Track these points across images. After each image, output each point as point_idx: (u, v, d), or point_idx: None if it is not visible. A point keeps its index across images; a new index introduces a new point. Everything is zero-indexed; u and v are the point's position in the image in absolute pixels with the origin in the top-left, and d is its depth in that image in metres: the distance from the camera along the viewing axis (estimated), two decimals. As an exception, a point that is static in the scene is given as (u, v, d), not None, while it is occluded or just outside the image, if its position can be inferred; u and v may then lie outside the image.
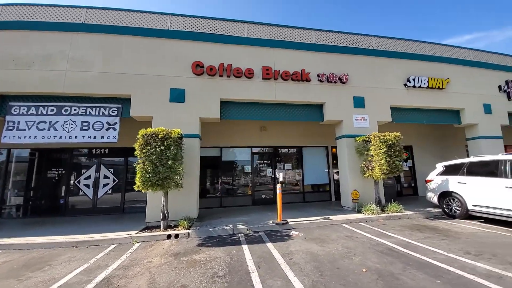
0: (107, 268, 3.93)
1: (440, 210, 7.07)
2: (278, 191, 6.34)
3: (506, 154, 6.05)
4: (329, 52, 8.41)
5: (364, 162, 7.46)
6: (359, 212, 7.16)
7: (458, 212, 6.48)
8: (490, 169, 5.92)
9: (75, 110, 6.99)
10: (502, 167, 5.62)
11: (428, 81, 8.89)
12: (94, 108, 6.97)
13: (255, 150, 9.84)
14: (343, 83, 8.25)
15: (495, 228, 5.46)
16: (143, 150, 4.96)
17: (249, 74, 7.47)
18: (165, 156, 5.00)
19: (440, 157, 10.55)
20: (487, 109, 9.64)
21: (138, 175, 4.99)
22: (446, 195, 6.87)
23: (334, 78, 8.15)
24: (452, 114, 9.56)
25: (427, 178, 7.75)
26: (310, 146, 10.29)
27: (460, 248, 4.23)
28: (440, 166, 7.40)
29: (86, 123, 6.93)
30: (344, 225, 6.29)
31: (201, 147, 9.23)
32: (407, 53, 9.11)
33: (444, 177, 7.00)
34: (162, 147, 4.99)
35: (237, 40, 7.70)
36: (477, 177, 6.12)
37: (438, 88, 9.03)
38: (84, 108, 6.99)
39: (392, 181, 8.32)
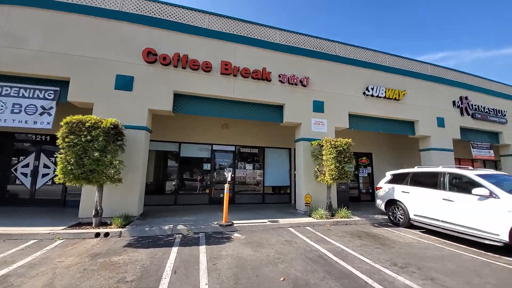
0: (12, 265, 3.55)
1: (387, 217, 7.19)
2: (225, 191, 6.05)
3: (445, 166, 6.25)
4: (293, 54, 8.29)
5: (317, 167, 7.41)
6: (310, 216, 7.08)
7: (402, 220, 6.61)
8: (430, 180, 6.08)
9: (6, 90, 6.20)
10: (441, 179, 5.78)
11: (385, 92, 9.11)
12: (28, 90, 6.23)
13: (216, 147, 9.50)
14: (304, 86, 8.17)
15: (433, 239, 5.57)
16: (66, 140, 4.42)
17: (207, 67, 7.12)
18: (92, 147, 4.50)
19: (396, 165, 10.88)
20: (440, 122, 10.10)
21: (59, 167, 4.44)
22: (391, 203, 7.01)
23: (296, 80, 8.05)
24: (407, 125, 9.89)
25: (377, 186, 7.89)
26: (273, 147, 10.15)
27: (389, 259, 4.21)
28: (388, 175, 7.56)
29: (18, 106, 6.17)
30: (290, 228, 6.15)
31: (158, 141, 8.81)
32: (368, 63, 9.27)
33: (391, 186, 7.14)
34: (89, 137, 4.48)
35: (196, 31, 7.31)
36: (419, 187, 6.28)
37: (395, 99, 9.28)
38: (17, 89, 6.22)
39: (345, 186, 8.38)
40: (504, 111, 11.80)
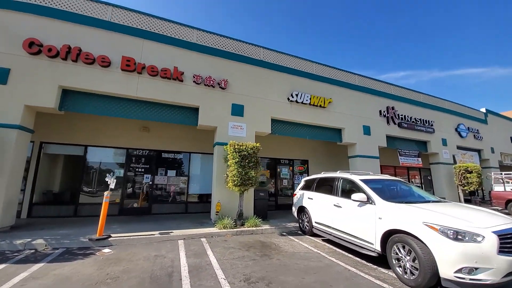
0: None
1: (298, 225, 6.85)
2: (104, 200, 5.30)
3: (342, 171, 6.09)
4: (211, 55, 7.93)
5: (227, 172, 6.93)
6: (214, 226, 6.51)
7: (307, 228, 6.30)
8: (329, 186, 5.85)
9: None
10: (336, 184, 5.56)
11: (310, 98, 9.06)
12: None
13: (131, 152, 8.67)
14: (223, 88, 7.80)
15: (326, 248, 5.25)
16: None
17: (104, 62, 6.45)
18: None
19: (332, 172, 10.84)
20: (366, 130, 10.28)
21: None
22: (301, 210, 6.70)
23: (212, 82, 7.65)
24: (334, 132, 9.92)
25: (294, 192, 7.60)
26: (200, 153, 9.57)
27: (249, 272, 3.76)
28: (303, 181, 7.30)
29: None
30: (179, 241, 5.51)
31: (57, 144, 7.80)
32: (293, 69, 9.23)
33: (302, 192, 6.87)
34: None
35: (96, 23, 6.66)
36: (320, 193, 6.03)
37: (320, 106, 9.28)
38: None
39: (264, 194, 7.99)
40: (432, 121, 12.46)
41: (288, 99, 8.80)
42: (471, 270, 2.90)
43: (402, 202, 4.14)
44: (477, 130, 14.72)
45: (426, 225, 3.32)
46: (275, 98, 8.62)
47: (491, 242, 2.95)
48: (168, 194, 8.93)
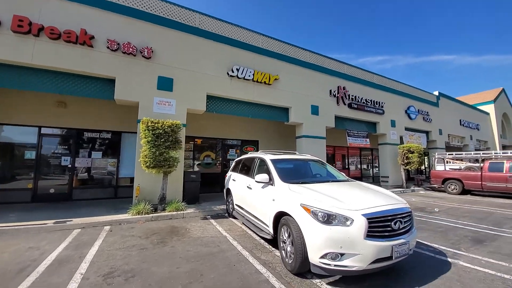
0: None
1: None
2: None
3: (264, 151, 5.74)
4: (132, 17, 6.87)
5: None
6: (127, 212, 5.94)
7: (231, 210, 6.00)
8: (249, 167, 5.49)
9: None
10: (253, 165, 5.20)
11: (253, 74, 8.46)
12: None
13: (46, 131, 7.60)
14: (146, 58, 6.88)
15: (238, 231, 5.00)
16: None
17: (-20, 19, 5.21)
18: None
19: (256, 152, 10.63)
20: (315, 110, 10.05)
21: None
22: (228, 192, 6.35)
23: (132, 50, 6.69)
24: (281, 111, 9.55)
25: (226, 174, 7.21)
26: (133, 132, 8.69)
27: (120, 265, 3.35)
28: (233, 162, 6.90)
29: None
30: (75, 230, 4.90)
31: None
32: (236, 40, 8.47)
33: (230, 173, 6.48)
34: None
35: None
36: (241, 174, 5.68)
37: (265, 83, 8.74)
38: None
39: (196, 176, 7.52)
40: (382, 102, 12.59)
41: (228, 73, 8.11)
42: (337, 256, 2.68)
43: (299, 183, 3.86)
44: (427, 112, 15.32)
45: (302, 206, 3.07)
46: (212, 72, 7.89)
47: (359, 225, 2.73)
48: (92, 178, 8.10)
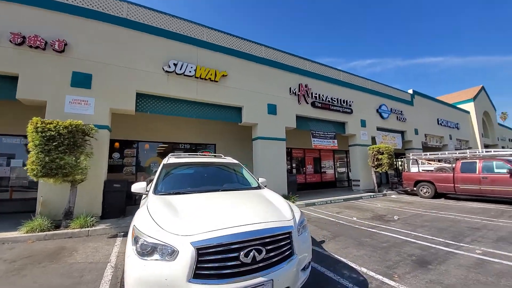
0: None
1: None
2: None
3: (175, 154, 4.73)
4: (43, 8, 5.90)
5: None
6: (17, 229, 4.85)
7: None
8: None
9: None
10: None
11: (195, 70, 7.50)
12: None
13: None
14: (58, 51, 5.88)
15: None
16: None
17: None
18: None
19: (242, 157, 9.61)
20: (272, 109, 9.12)
21: None
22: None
23: (40, 43, 5.69)
24: (232, 111, 8.59)
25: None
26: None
27: None
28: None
29: None
30: None
31: None
32: (173, 33, 7.52)
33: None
34: None
35: None
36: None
37: (210, 79, 7.78)
38: None
39: (122, 185, 6.44)
40: (350, 101, 11.73)
41: (164, 69, 7.15)
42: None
43: (170, 193, 2.95)
44: (401, 111, 14.52)
45: (132, 229, 2.16)
46: (144, 67, 6.91)
47: (185, 260, 1.77)
48: (9, 189, 6.97)
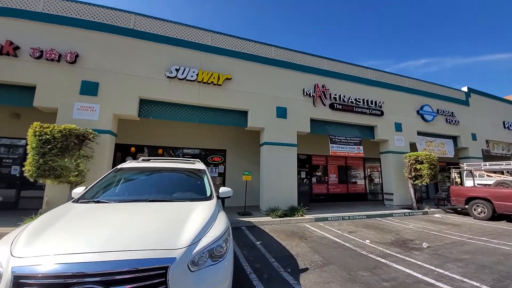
0: None
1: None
2: None
3: (144, 158, 4.43)
4: (57, 24, 6.53)
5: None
6: None
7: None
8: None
9: None
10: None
11: (198, 74, 7.33)
12: None
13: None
14: (70, 62, 6.38)
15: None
16: None
17: None
18: None
19: (254, 162, 9.15)
20: (281, 113, 8.34)
21: None
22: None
23: (55, 56, 6.26)
24: (238, 115, 8.12)
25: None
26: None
27: None
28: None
29: None
30: None
31: None
32: (176, 39, 7.51)
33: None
34: None
35: None
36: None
37: (213, 83, 7.51)
38: None
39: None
40: (380, 101, 10.08)
41: (166, 75, 7.16)
42: None
43: (93, 201, 2.73)
44: (452, 113, 11.91)
45: None
46: (147, 74, 7.03)
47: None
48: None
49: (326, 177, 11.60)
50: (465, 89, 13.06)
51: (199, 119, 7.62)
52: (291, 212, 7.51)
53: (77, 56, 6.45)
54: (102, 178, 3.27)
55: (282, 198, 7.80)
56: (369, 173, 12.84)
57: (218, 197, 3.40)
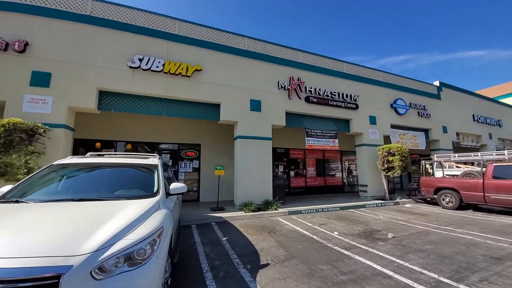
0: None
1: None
2: None
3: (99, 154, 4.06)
4: (5, 11, 5.84)
5: None
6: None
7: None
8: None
9: None
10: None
11: (164, 65, 6.90)
12: None
13: None
14: (18, 51, 5.74)
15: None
16: None
17: None
18: None
19: (229, 156, 8.87)
20: (255, 106, 8.10)
21: None
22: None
23: (1, 44, 5.61)
24: (209, 108, 7.78)
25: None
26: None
27: None
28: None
29: None
30: None
31: None
32: (140, 27, 7.01)
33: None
34: None
35: None
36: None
37: (181, 75, 7.11)
38: None
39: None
40: (355, 95, 10.11)
41: (128, 65, 6.67)
42: None
43: (18, 201, 2.40)
44: (424, 106, 12.23)
45: None
46: (106, 64, 6.49)
47: None
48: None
49: (304, 170, 11.58)
50: (437, 83, 13.46)
51: (167, 112, 7.20)
52: (265, 206, 7.37)
53: (26, 44, 5.81)
54: (33, 175, 2.91)
55: (257, 192, 7.63)
56: (346, 166, 12.99)
57: (169, 194, 3.15)
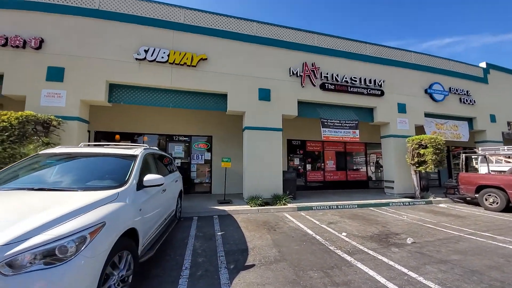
0: None
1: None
2: None
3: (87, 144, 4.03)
4: (23, 10, 6.21)
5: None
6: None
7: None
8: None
9: None
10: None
11: (169, 55, 6.77)
12: None
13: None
14: (35, 48, 6.09)
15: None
16: None
17: None
18: None
19: (240, 148, 8.63)
20: (264, 95, 7.61)
21: None
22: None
23: (19, 42, 5.99)
24: (216, 98, 7.51)
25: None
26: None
27: None
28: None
29: None
30: None
31: None
32: (145, 18, 6.91)
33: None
34: None
35: None
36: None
37: (186, 65, 6.92)
38: None
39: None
40: (381, 80, 8.95)
41: (134, 57, 6.68)
42: None
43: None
44: (467, 91, 10.38)
45: None
46: (114, 56, 6.58)
47: None
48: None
49: (323, 164, 10.78)
50: (483, 64, 11.30)
51: (173, 103, 7.13)
52: (273, 200, 6.96)
53: (42, 41, 6.13)
54: (17, 163, 2.95)
55: (265, 186, 7.24)
56: (371, 160, 11.79)
57: (143, 186, 2.96)
